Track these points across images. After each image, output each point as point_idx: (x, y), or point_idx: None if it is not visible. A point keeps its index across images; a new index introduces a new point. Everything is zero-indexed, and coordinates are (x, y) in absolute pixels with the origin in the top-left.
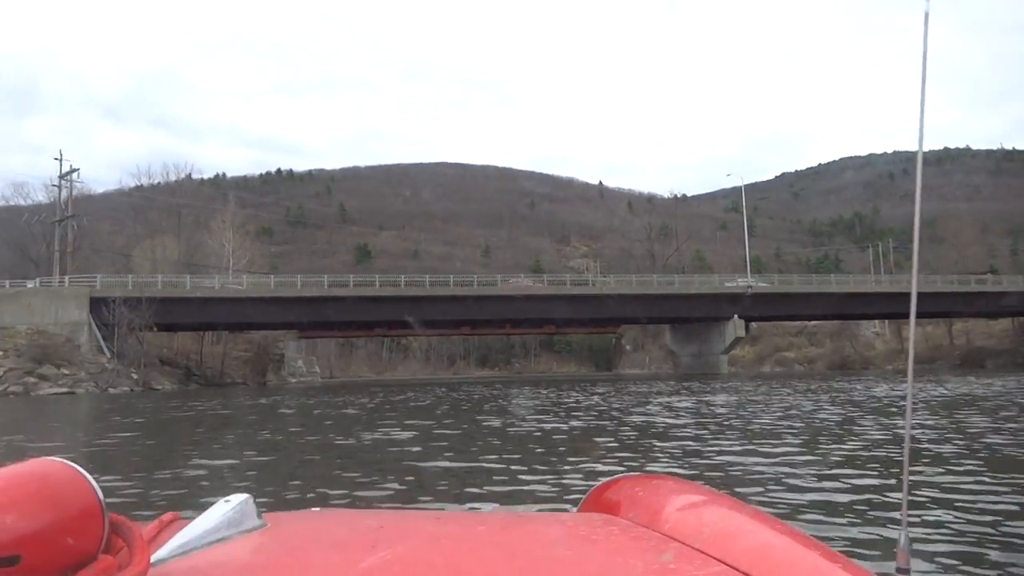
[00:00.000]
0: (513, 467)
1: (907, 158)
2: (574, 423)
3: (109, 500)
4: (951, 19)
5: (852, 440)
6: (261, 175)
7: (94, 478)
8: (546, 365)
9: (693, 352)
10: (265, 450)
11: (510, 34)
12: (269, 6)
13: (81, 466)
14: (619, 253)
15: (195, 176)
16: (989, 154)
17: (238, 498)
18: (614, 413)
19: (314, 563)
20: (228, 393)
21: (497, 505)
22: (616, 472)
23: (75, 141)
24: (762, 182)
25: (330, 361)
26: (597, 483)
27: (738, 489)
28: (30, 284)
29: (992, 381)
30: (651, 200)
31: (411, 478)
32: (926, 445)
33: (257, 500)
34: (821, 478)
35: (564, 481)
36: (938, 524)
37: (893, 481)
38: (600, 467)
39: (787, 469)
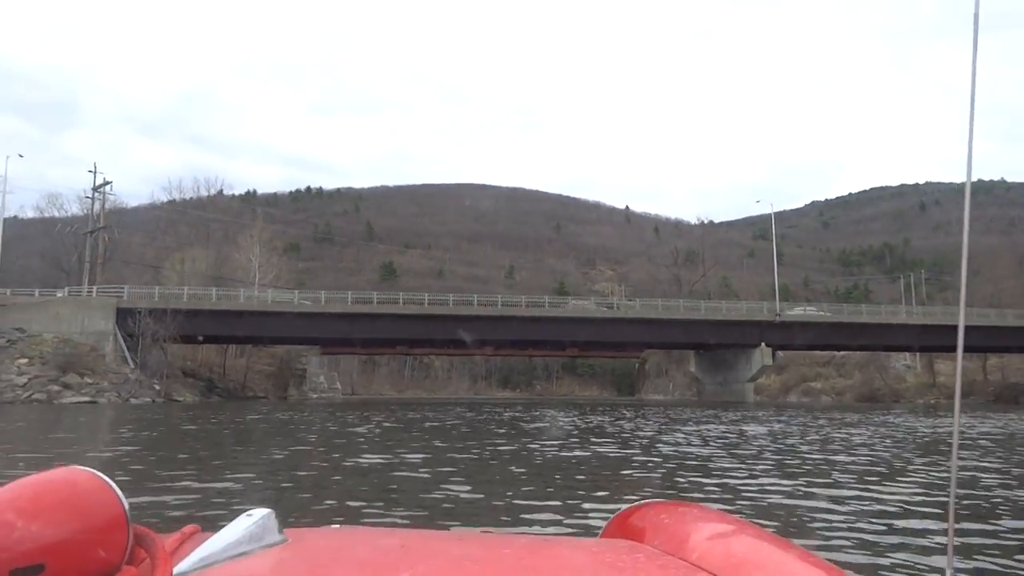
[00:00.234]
0: (527, 501)
1: (939, 189)
2: (599, 450)
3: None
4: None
5: (908, 480)
6: (291, 192)
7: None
8: (568, 388)
9: (718, 379)
10: (264, 471)
11: (542, 59)
12: (305, 27)
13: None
14: (645, 278)
15: (226, 192)
16: None
17: (260, 512)
18: (642, 440)
19: None
20: (248, 407)
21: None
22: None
23: (112, 156)
24: (791, 210)
25: (352, 378)
26: (621, 508)
27: (806, 542)
28: (59, 294)
29: None
30: (678, 225)
31: (416, 511)
32: (987, 491)
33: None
34: (890, 529)
35: (587, 522)
36: None
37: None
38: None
39: (848, 515)
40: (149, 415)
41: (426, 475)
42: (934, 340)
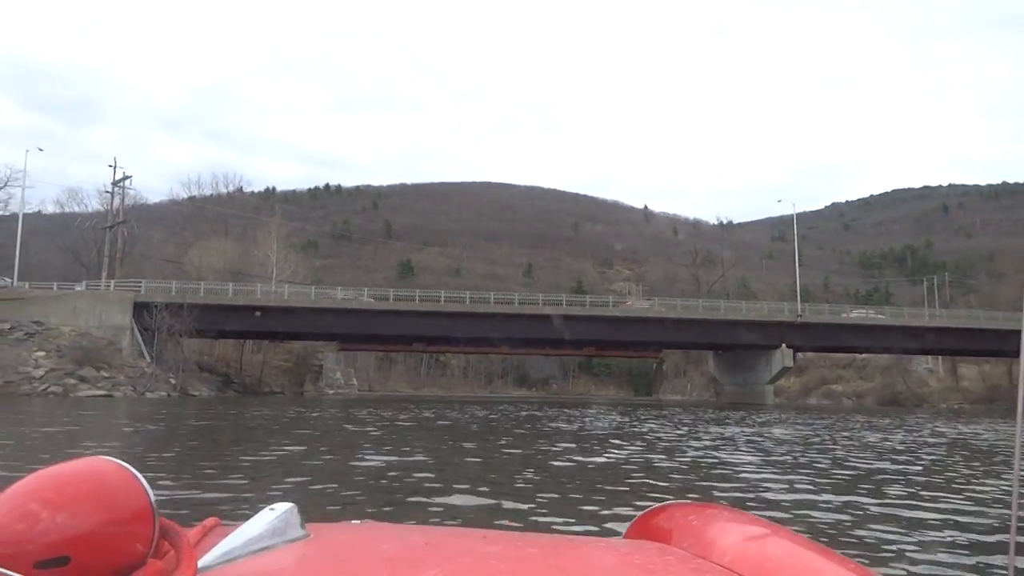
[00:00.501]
0: (540, 517)
1: (963, 191)
2: (618, 453)
3: None
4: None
5: (962, 490)
6: (309, 189)
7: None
8: (584, 387)
9: (737, 381)
10: (261, 472)
11: (560, 57)
12: (324, 24)
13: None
14: (663, 277)
15: (246, 189)
16: None
17: (283, 507)
18: (664, 443)
19: None
20: (263, 402)
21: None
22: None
23: (134, 152)
24: (811, 212)
25: (369, 374)
26: (645, 509)
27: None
28: (77, 287)
29: None
30: (696, 225)
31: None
32: None
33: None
34: (951, 546)
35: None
36: None
37: None
38: None
39: (904, 531)
40: (161, 409)
41: (429, 481)
42: (958, 343)
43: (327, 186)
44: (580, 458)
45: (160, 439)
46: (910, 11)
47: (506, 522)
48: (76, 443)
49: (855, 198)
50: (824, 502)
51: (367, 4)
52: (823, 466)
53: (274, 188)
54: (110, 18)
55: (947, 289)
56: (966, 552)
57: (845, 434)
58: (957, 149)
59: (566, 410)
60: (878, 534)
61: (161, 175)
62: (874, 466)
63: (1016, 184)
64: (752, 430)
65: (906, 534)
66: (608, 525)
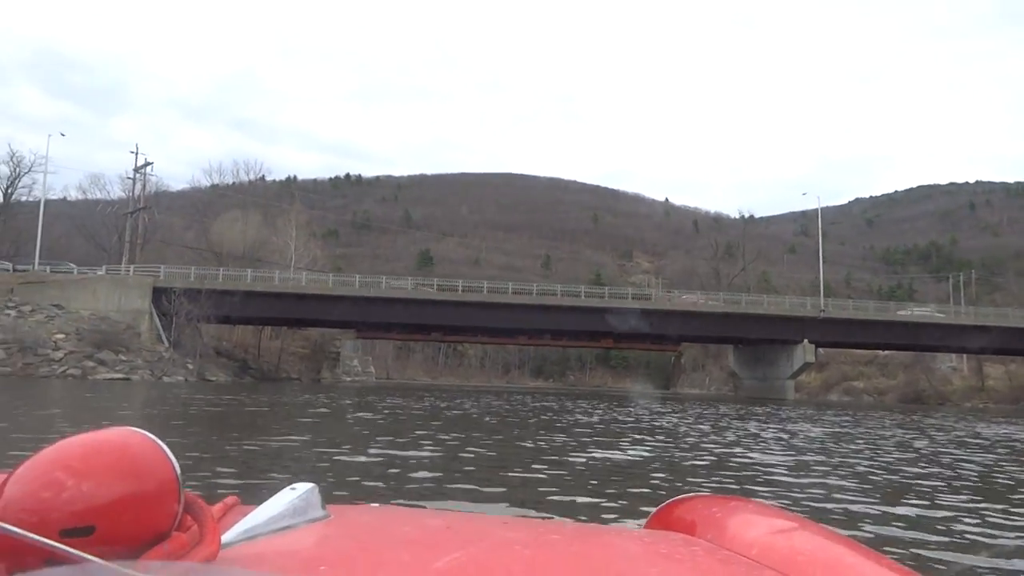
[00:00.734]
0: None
1: (990, 188)
2: (637, 451)
3: None
4: None
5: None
6: (330, 179)
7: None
8: (601, 379)
9: (757, 375)
10: (252, 464)
11: (582, 49)
12: (348, 15)
13: None
14: (682, 271)
15: (268, 178)
16: None
17: (304, 487)
18: (687, 439)
19: (386, 560)
20: (279, 388)
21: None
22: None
23: (158, 140)
24: (834, 207)
25: (387, 363)
26: (666, 500)
27: None
28: (98, 272)
29: None
30: (718, 219)
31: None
32: None
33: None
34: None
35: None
36: None
37: None
38: None
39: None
40: (176, 393)
41: (430, 481)
42: (984, 341)
43: (348, 176)
44: (599, 453)
45: (154, 424)
46: (939, 5)
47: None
48: (64, 425)
49: (879, 194)
50: (877, 513)
51: None
52: (863, 469)
53: (295, 177)
54: (137, 6)
55: (973, 287)
56: None
57: (876, 432)
58: (984, 145)
59: (583, 402)
60: (948, 555)
61: (185, 163)
62: (920, 470)
63: None
64: (778, 426)
65: (980, 556)
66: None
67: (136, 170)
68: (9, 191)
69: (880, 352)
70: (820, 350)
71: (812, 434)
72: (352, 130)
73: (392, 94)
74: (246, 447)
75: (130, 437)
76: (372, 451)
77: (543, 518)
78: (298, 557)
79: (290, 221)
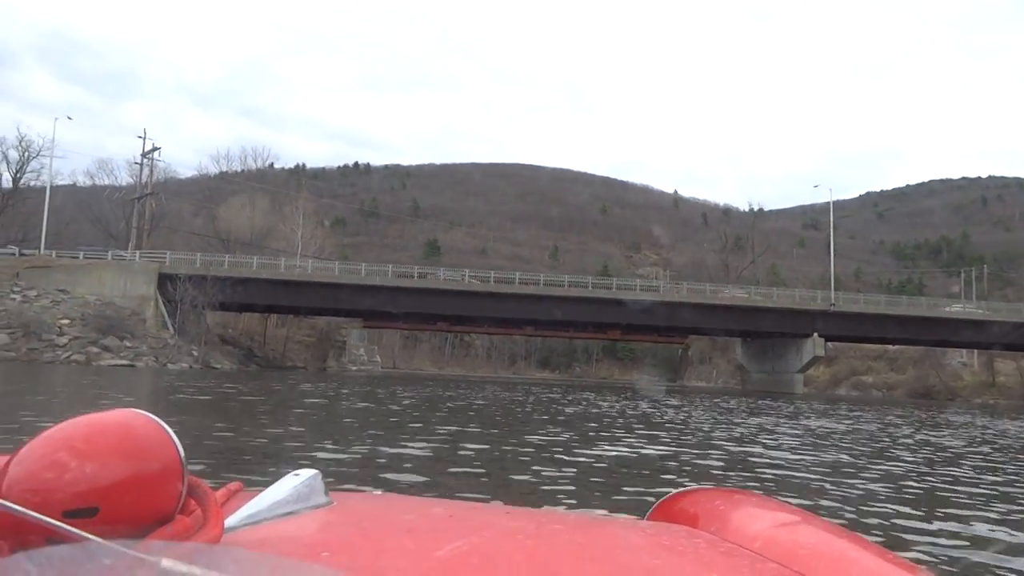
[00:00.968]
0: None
1: (1003, 183)
2: (649, 447)
3: None
4: None
5: None
6: (339, 167)
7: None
8: (608, 371)
9: (766, 368)
10: (232, 458)
11: (593, 40)
12: (358, 3)
13: None
14: (690, 263)
15: (276, 166)
16: None
17: (307, 473)
18: (700, 434)
19: (388, 547)
20: (282, 377)
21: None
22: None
23: (168, 126)
24: (844, 200)
25: (394, 352)
26: (669, 493)
27: None
28: (104, 257)
29: None
30: (727, 212)
31: None
32: None
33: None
34: None
35: None
36: None
37: None
38: None
39: None
40: (170, 381)
41: (419, 486)
42: (1000, 337)
43: (356, 164)
44: (605, 449)
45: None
46: None
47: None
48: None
49: (890, 188)
50: (928, 528)
51: None
52: (887, 468)
53: (304, 165)
54: None
55: (985, 282)
56: None
57: (892, 429)
58: (997, 140)
59: (589, 394)
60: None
61: (194, 150)
62: (949, 472)
63: None
64: (791, 421)
65: None
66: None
67: (143, 155)
68: (18, 175)
69: (889, 347)
70: (829, 344)
71: (830, 430)
72: (361, 119)
73: (401, 83)
74: (224, 437)
75: (134, 419)
76: (357, 446)
77: (545, 508)
78: (300, 542)
79: (297, 208)
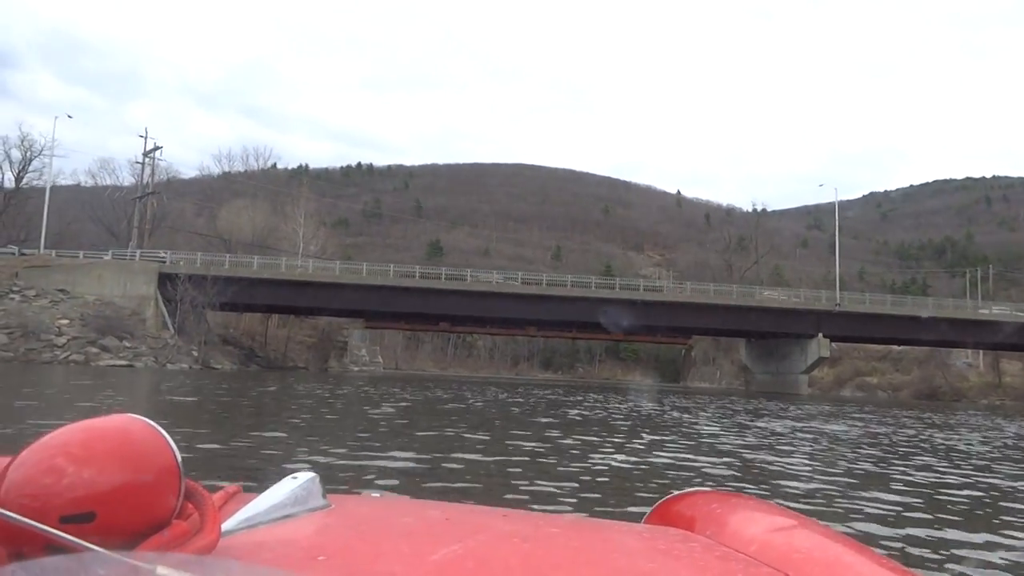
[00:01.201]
0: None
1: (1007, 183)
2: (657, 455)
3: None
4: None
5: None
6: (342, 168)
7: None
8: (610, 372)
9: (770, 369)
10: (206, 466)
11: (596, 40)
12: (361, 3)
13: None
14: (693, 263)
15: (279, 166)
16: None
17: (305, 476)
18: (710, 440)
19: (385, 550)
20: (281, 378)
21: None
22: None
23: (171, 126)
24: (848, 201)
25: (396, 353)
26: (665, 496)
27: None
28: (104, 257)
29: None
30: (730, 212)
31: None
32: None
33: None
34: None
35: None
36: None
37: None
38: None
39: None
40: (173, 382)
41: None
42: (1003, 338)
43: (359, 165)
44: (610, 457)
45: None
46: None
47: None
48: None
49: (894, 188)
50: (967, 541)
51: None
52: (918, 478)
53: (307, 165)
54: None
55: (991, 282)
56: None
57: (909, 432)
58: (1001, 140)
59: (592, 395)
60: None
61: (197, 150)
62: (984, 480)
63: None
64: (801, 424)
65: None
66: None
67: (145, 154)
68: (20, 175)
69: (894, 347)
70: (834, 345)
71: (844, 435)
72: (364, 119)
73: (404, 83)
74: (198, 439)
75: (131, 424)
76: (338, 451)
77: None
78: (297, 546)
79: (299, 208)
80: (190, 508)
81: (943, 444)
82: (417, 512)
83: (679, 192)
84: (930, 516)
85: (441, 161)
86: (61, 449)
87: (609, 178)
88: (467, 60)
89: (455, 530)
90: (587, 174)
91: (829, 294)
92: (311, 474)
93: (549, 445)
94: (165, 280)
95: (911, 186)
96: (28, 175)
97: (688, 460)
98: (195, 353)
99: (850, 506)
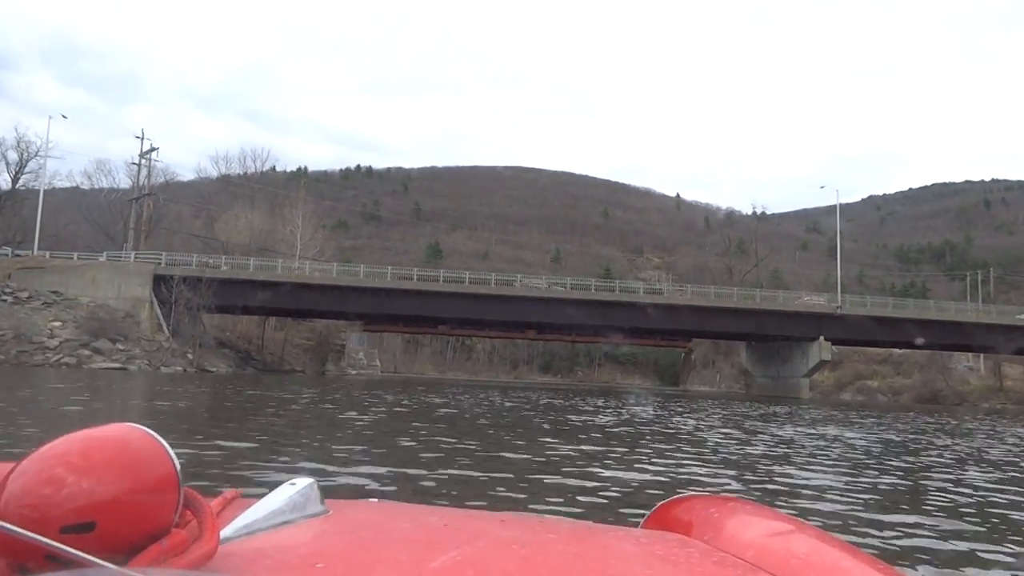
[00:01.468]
0: None
1: (1006, 187)
2: (663, 465)
3: None
4: None
5: None
6: (341, 171)
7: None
8: (610, 375)
9: (771, 373)
10: None
11: (595, 43)
12: (360, 6)
13: None
14: (693, 267)
15: (279, 169)
16: None
17: (303, 482)
18: (720, 450)
19: (384, 557)
20: (276, 381)
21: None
22: None
23: (171, 130)
24: (847, 204)
25: (395, 356)
26: (663, 500)
27: None
28: (99, 258)
29: None
30: (729, 216)
31: None
32: None
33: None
34: None
35: None
36: None
37: None
38: None
39: None
40: (164, 385)
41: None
42: (1006, 341)
43: (359, 167)
44: (611, 470)
45: (86, 418)
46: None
47: None
48: None
49: (893, 191)
50: None
51: None
52: (958, 500)
53: (306, 168)
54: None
55: (991, 286)
56: None
57: (924, 439)
58: (1001, 143)
59: (591, 399)
60: None
61: (197, 152)
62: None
63: None
64: (811, 430)
65: None
66: None
67: (141, 155)
68: (17, 176)
69: (895, 351)
70: (834, 348)
71: (857, 441)
72: (363, 122)
73: (404, 86)
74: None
75: (130, 433)
76: (304, 467)
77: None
78: (296, 553)
79: (296, 210)
80: (189, 516)
81: (969, 453)
82: (415, 518)
83: (679, 195)
84: (997, 546)
85: (440, 164)
86: (60, 459)
87: (608, 181)
88: (467, 63)
89: (454, 536)
90: (586, 177)
91: (830, 297)
92: (309, 480)
93: (542, 459)
94: (160, 282)
95: (910, 189)
96: (24, 176)
97: (701, 474)
98: (190, 356)
99: (900, 537)
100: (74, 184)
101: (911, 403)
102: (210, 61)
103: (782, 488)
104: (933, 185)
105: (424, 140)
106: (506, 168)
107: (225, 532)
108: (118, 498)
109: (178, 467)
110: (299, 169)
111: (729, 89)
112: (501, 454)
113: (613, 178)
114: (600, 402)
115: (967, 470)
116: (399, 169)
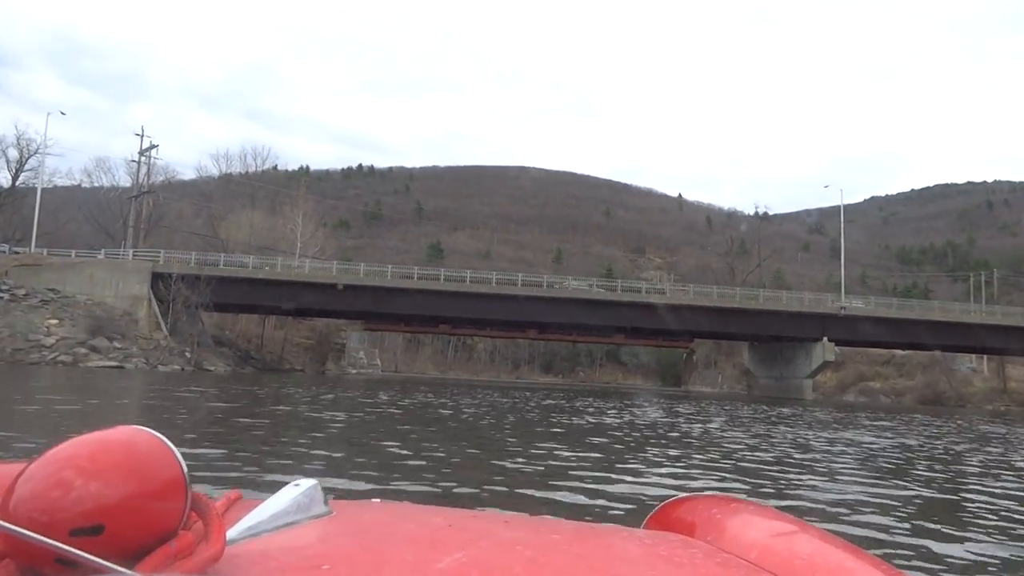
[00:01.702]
0: None
1: (1009, 188)
2: (671, 472)
3: None
4: None
5: None
6: (343, 170)
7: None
8: (611, 376)
9: (774, 374)
10: None
11: (598, 43)
12: (363, 6)
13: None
14: (695, 267)
15: (280, 168)
16: None
17: (307, 483)
18: (733, 455)
19: (389, 558)
20: (275, 380)
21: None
22: None
23: (173, 128)
24: (849, 204)
25: (396, 355)
26: (664, 501)
27: None
28: (97, 256)
29: None
30: (731, 216)
31: None
32: None
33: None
34: None
35: None
36: None
37: None
38: None
39: None
40: (157, 384)
41: None
42: (1010, 343)
43: (360, 167)
44: (617, 483)
45: (63, 417)
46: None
47: None
48: None
49: (895, 192)
50: None
51: None
52: (1005, 518)
53: (308, 167)
54: None
55: (994, 287)
56: None
57: (940, 443)
58: (1003, 144)
59: (593, 400)
60: None
61: (198, 151)
62: None
63: None
64: (824, 434)
65: None
66: None
67: (140, 153)
68: (17, 174)
69: (897, 352)
70: (838, 349)
71: (871, 444)
72: (365, 121)
73: (406, 86)
74: None
75: (137, 436)
76: (268, 479)
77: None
78: (302, 555)
79: (297, 209)
80: (195, 518)
81: (995, 459)
82: (419, 518)
83: (680, 195)
84: None
85: (442, 163)
86: (69, 462)
87: (610, 181)
88: (468, 63)
89: (458, 537)
90: (588, 177)
91: (833, 297)
92: (313, 481)
93: (546, 464)
94: (158, 280)
95: (912, 190)
96: (25, 174)
97: (717, 483)
98: (188, 355)
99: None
100: (75, 182)
101: (914, 405)
102: (212, 60)
103: (812, 505)
104: (935, 186)
105: (426, 140)
106: (508, 167)
107: (230, 534)
108: (126, 501)
109: (185, 470)
110: (300, 168)
111: (731, 89)
112: (495, 461)
113: (615, 178)
114: (601, 403)
115: (1000, 481)
116: (401, 168)
